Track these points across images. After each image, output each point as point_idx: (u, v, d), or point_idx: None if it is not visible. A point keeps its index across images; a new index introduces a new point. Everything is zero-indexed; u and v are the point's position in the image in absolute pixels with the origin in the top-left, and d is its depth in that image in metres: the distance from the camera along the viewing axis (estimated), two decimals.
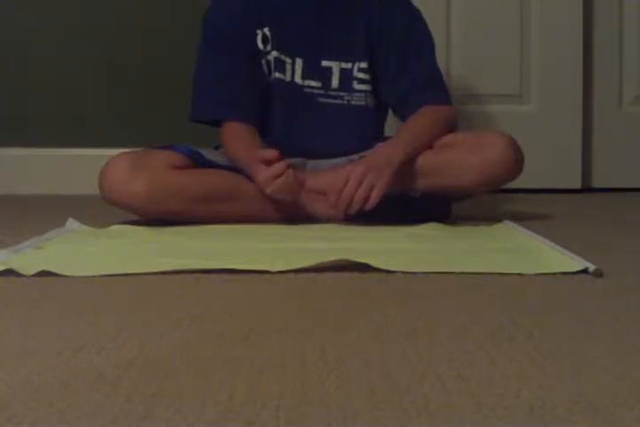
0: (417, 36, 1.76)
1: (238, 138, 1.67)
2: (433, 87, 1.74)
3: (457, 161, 1.59)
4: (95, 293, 0.99)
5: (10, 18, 2.48)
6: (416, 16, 1.77)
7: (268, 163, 1.52)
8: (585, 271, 1.08)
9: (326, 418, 0.55)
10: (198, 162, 1.63)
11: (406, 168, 1.59)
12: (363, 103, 1.76)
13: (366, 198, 1.50)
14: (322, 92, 1.74)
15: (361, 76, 1.75)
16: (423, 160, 1.61)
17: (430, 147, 1.64)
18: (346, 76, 1.74)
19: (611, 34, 2.52)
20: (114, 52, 2.48)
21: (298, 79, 1.74)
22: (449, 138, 1.65)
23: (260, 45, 1.72)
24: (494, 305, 0.91)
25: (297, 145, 1.72)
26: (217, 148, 1.78)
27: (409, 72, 1.73)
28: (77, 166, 2.42)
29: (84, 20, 2.48)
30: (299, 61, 1.73)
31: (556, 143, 2.47)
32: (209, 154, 1.67)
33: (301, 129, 1.73)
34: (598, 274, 1.07)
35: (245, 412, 0.56)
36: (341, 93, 1.75)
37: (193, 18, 2.42)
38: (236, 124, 1.69)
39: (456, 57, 2.46)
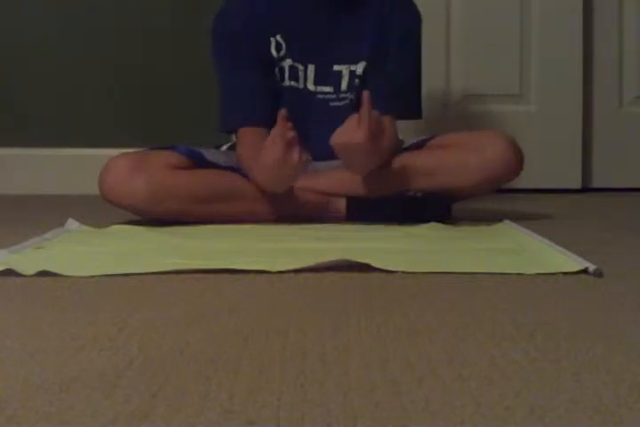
0: (407, 40, 1.73)
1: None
2: (405, 95, 1.72)
3: (457, 161, 1.60)
4: (95, 293, 0.99)
5: (10, 18, 2.48)
6: (413, 20, 1.75)
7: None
8: (585, 271, 1.08)
9: (326, 418, 0.55)
10: (198, 162, 1.63)
11: (407, 168, 1.60)
12: None
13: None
14: (333, 96, 1.73)
15: (362, 73, 1.73)
16: (424, 160, 1.61)
17: (431, 148, 1.64)
18: (352, 77, 1.73)
19: (611, 34, 2.52)
20: (114, 52, 2.48)
21: (310, 85, 1.73)
22: (449, 138, 1.65)
23: (274, 53, 1.71)
24: (494, 305, 0.91)
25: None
26: (217, 147, 1.78)
27: (386, 74, 1.70)
28: (77, 166, 2.42)
29: (84, 20, 2.48)
30: (311, 68, 1.72)
31: (556, 143, 2.47)
32: (209, 154, 1.67)
33: (309, 134, 1.72)
34: (598, 274, 1.07)
35: (245, 412, 0.56)
36: (348, 95, 1.74)
37: (193, 18, 2.43)
38: (257, 130, 1.66)
39: (456, 57, 2.46)
